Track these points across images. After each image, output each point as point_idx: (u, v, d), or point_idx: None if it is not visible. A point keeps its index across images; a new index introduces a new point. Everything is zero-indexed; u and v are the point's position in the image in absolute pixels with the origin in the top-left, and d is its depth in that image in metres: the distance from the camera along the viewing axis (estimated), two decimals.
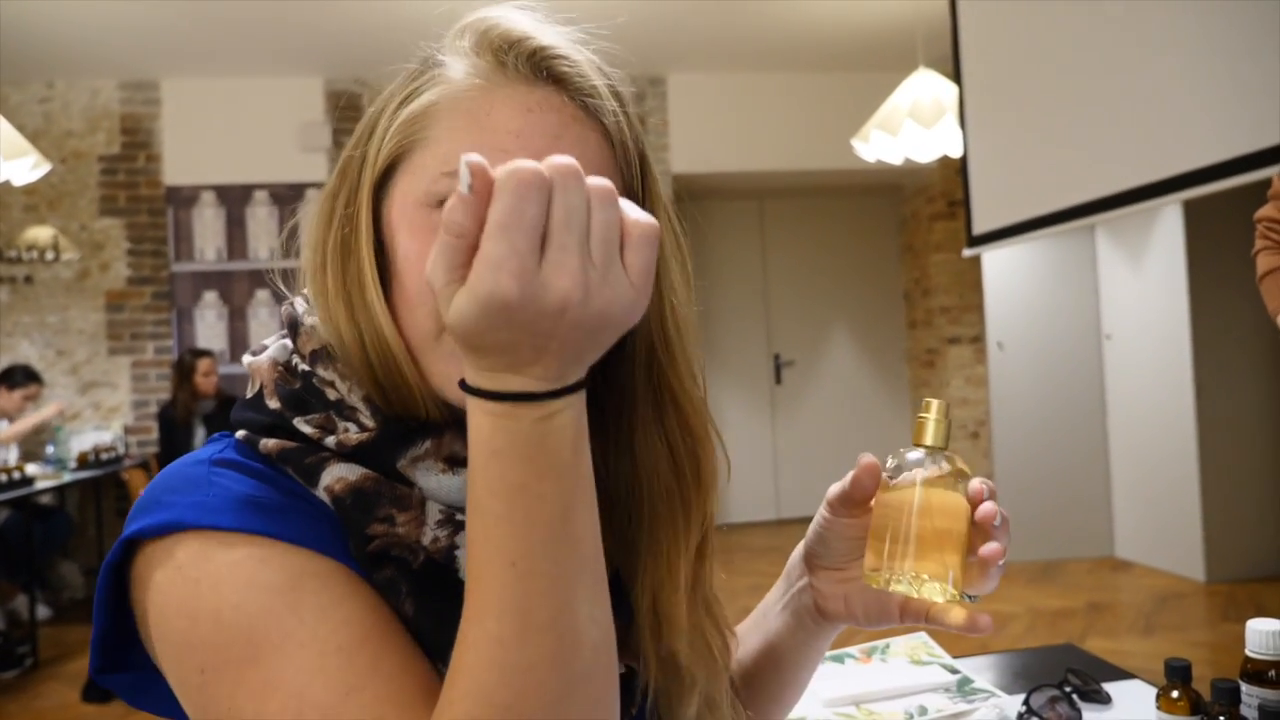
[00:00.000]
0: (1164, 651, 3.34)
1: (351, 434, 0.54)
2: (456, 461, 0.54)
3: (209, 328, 5.19)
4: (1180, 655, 0.80)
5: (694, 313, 0.61)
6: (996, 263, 4.80)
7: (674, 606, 0.59)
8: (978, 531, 0.57)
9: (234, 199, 5.23)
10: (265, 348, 0.61)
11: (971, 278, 5.66)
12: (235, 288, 5.22)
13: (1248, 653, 0.79)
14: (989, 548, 0.56)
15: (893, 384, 6.51)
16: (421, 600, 0.53)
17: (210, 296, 5.20)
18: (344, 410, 0.55)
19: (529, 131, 0.53)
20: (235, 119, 5.20)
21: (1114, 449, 4.84)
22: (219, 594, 0.48)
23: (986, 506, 0.56)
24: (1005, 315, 4.84)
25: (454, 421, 0.54)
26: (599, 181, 0.42)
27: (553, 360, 0.43)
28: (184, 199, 5.20)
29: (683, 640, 0.59)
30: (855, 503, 0.62)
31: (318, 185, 5.28)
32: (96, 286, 5.12)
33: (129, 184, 5.15)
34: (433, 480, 0.54)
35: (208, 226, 5.21)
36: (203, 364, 4.60)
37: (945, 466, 0.56)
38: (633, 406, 0.59)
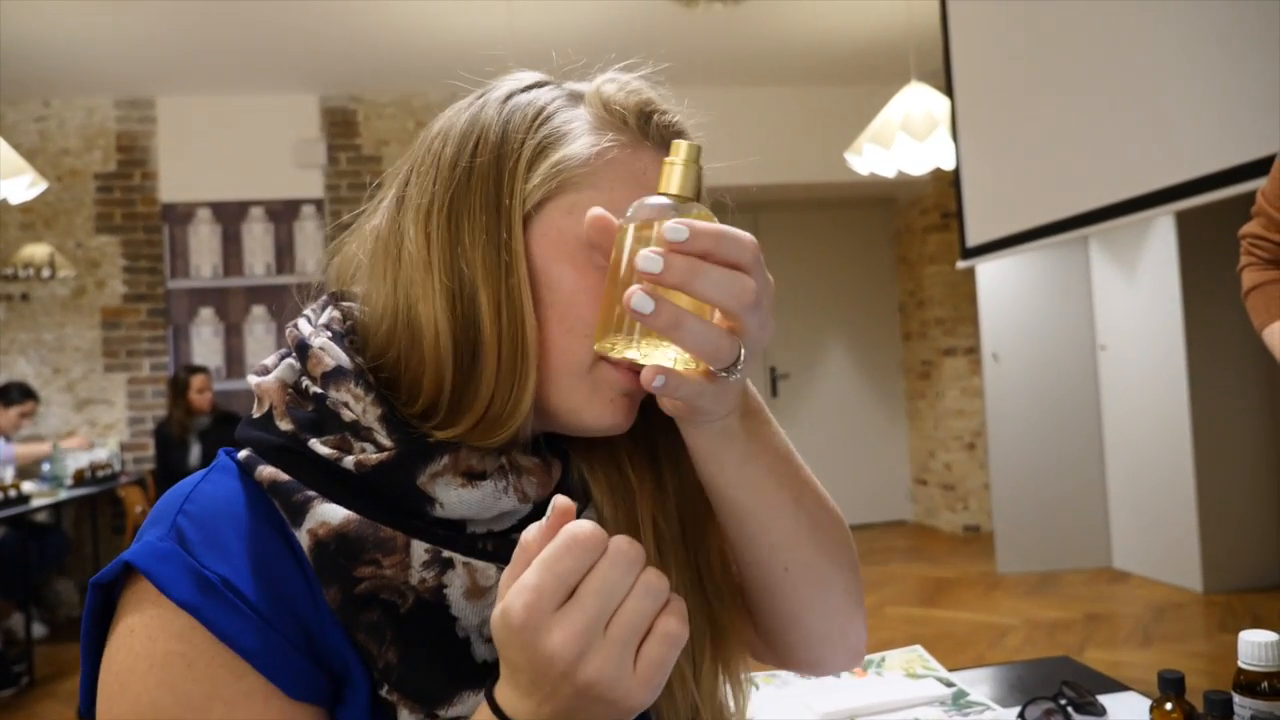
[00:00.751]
0: (1161, 663, 3.33)
1: (370, 454, 0.55)
2: (474, 475, 0.56)
3: (205, 344, 5.18)
4: (1177, 666, 0.79)
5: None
6: (990, 274, 4.82)
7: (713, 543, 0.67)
8: None
9: (229, 215, 5.24)
10: (268, 368, 0.62)
11: (966, 289, 5.68)
12: (231, 304, 5.22)
13: (1240, 664, 0.79)
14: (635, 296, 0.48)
15: (888, 396, 6.52)
16: (407, 645, 0.53)
17: (206, 313, 5.21)
18: (360, 431, 0.56)
19: None
20: (231, 136, 5.22)
21: (1110, 459, 4.84)
22: (145, 683, 0.50)
23: (670, 229, 0.49)
24: (1000, 326, 4.85)
25: (468, 442, 0.56)
26: (653, 576, 0.46)
27: (543, 705, 0.46)
28: (180, 216, 5.21)
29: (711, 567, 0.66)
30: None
31: (313, 201, 5.29)
32: (92, 304, 5.12)
33: (125, 201, 5.16)
34: (453, 495, 0.55)
35: (203, 243, 5.21)
36: (197, 380, 4.60)
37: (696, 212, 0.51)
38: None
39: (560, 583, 0.45)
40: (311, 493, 0.54)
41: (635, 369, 0.56)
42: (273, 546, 0.54)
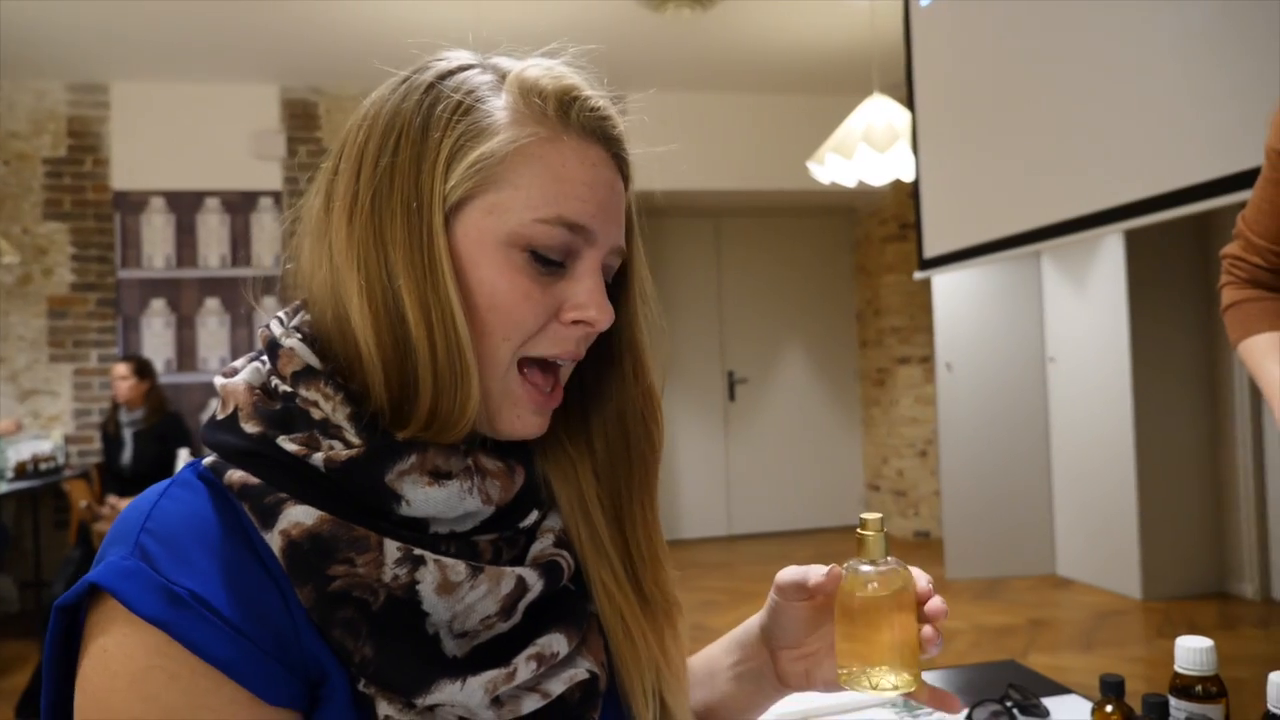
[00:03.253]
0: (1102, 667, 3.43)
1: (339, 450, 0.56)
2: (441, 475, 0.57)
3: (156, 336, 5.09)
4: (1117, 671, 0.83)
5: (661, 324, 0.70)
6: (946, 285, 4.90)
7: (653, 545, 0.69)
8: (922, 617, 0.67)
9: (184, 205, 5.15)
10: (237, 370, 0.62)
11: (922, 299, 5.77)
12: (184, 296, 5.13)
13: (1176, 668, 0.83)
14: (930, 633, 0.64)
15: (844, 402, 6.60)
16: (382, 640, 0.54)
17: (158, 304, 5.11)
18: (329, 429, 0.57)
19: (595, 184, 0.60)
20: (187, 124, 5.13)
21: (1056, 469, 4.96)
22: (126, 700, 0.50)
23: (935, 603, 0.65)
24: (954, 337, 4.94)
25: (434, 442, 0.58)
26: None
27: None
28: (132, 204, 5.11)
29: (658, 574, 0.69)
30: (810, 593, 0.68)
31: (271, 194, 5.22)
32: (39, 292, 5.00)
33: (75, 188, 5.05)
34: (420, 493, 0.56)
35: (157, 233, 5.12)
36: (116, 369, 4.36)
37: (893, 573, 0.65)
38: (620, 386, 0.68)
39: None
40: (283, 494, 0.54)
41: (543, 384, 0.61)
42: (239, 556, 0.54)
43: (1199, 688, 0.81)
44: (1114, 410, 4.44)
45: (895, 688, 0.64)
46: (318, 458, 0.55)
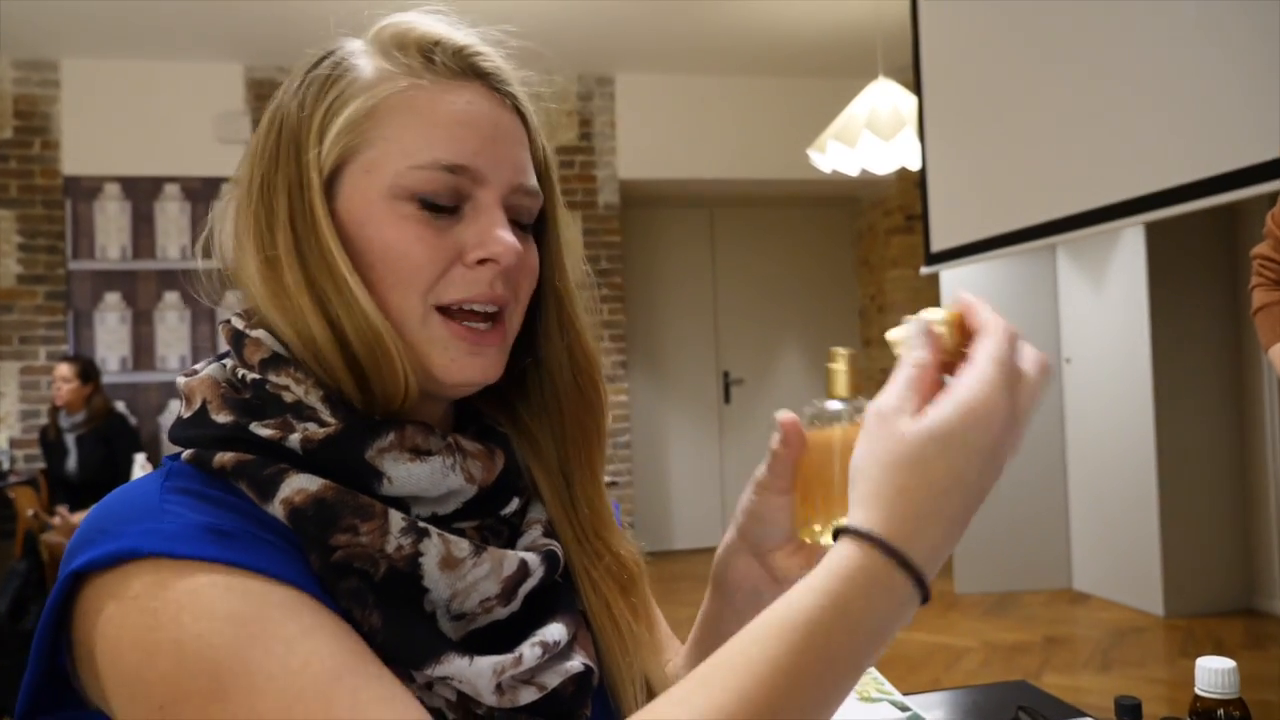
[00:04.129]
0: (1121, 688, 3.43)
1: (314, 430, 0.58)
2: (422, 451, 0.60)
3: (110, 332, 5.05)
4: (1136, 693, 0.83)
5: (584, 272, 0.73)
6: (955, 280, 4.90)
7: (603, 506, 0.72)
8: None
9: (141, 193, 5.12)
10: (197, 370, 0.64)
11: (929, 295, 5.78)
12: (141, 289, 5.10)
13: (1197, 690, 0.82)
14: None
15: None
16: (388, 610, 0.55)
17: (112, 298, 5.08)
18: (302, 411, 0.59)
19: (472, 119, 0.63)
20: (144, 105, 5.10)
21: (1072, 477, 4.97)
22: (179, 624, 0.49)
23: None
24: None
25: (413, 418, 0.62)
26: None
27: (932, 471, 0.52)
28: (84, 191, 5.07)
29: (600, 524, 0.71)
30: (786, 468, 0.64)
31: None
32: None
33: (22, 172, 5.01)
34: (401, 469, 0.59)
35: (111, 221, 5.09)
36: (58, 369, 4.33)
37: (862, 414, 0.59)
38: (546, 347, 0.71)
39: (1014, 376, 0.55)
40: (283, 465, 0.57)
41: (465, 323, 0.62)
42: (260, 524, 0.56)
43: (1220, 711, 0.81)
44: (1134, 414, 4.45)
45: None
46: (294, 439, 0.57)
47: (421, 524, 0.58)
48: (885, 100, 3.88)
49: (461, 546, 0.59)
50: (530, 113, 0.67)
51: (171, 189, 5.15)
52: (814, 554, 0.68)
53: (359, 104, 0.62)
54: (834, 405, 0.62)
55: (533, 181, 0.66)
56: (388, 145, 0.61)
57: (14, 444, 4.94)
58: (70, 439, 4.35)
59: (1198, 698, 0.82)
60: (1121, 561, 4.61)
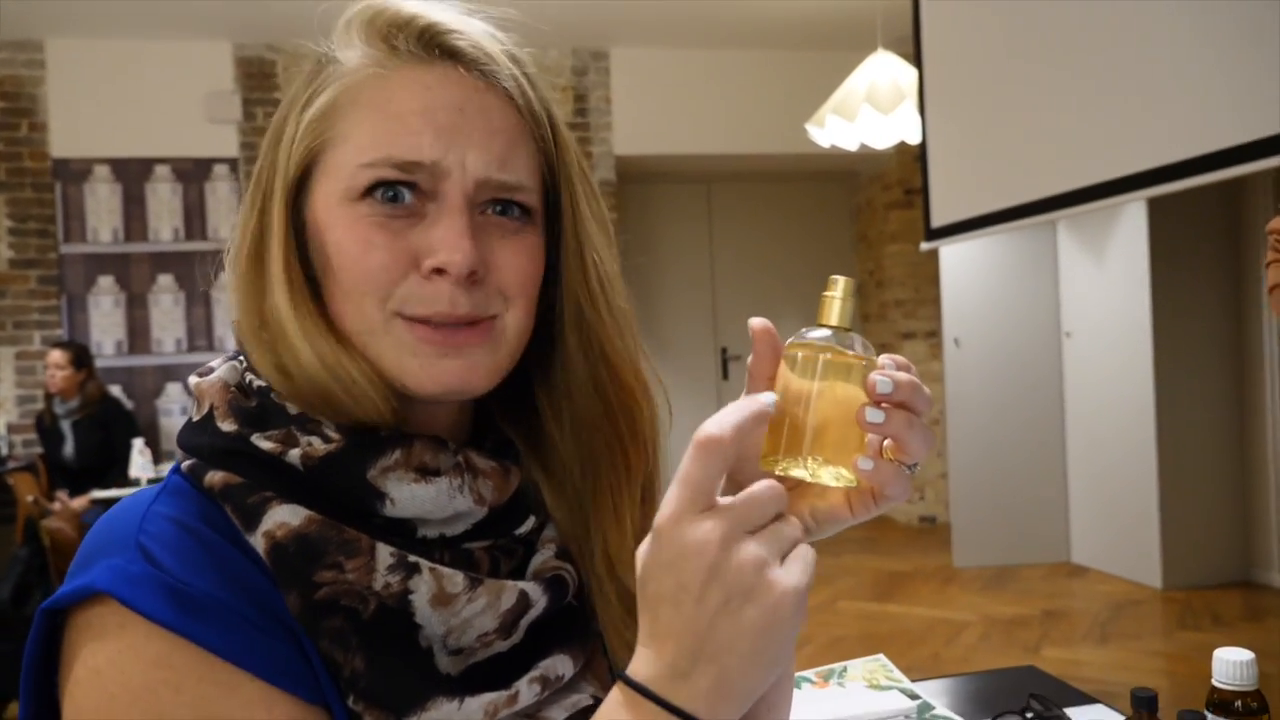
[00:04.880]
0: (1120, 662, 3.46)
1: (317, 446, 0.56)
2: (428, 471, 0.57)
3: (104, 316, 5.03)
4: (1135, 665, 0.83)
5: (618, 269, 0.66)
6: (954, 255, 4.90)
7: (622, 548, 0.65)
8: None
9: (132, 174, 5.08)
10: (213, 369, 0.62)
11: (928, 270, 5.77)
12: (134, 272, 5.07)
13: (1214, 682, 0.83)
14: (873, 434, 0.54)
15: None
16: (373, 652, 0.53)
17: (105, 281, 5.05)
18: (306, 424, 0.57)
19: (432, 107, 0.57)
20: (133, 85, 5.05)
21: (1071, 450, 4.99)
22: (101, 691, 0.49)
23: (879, 381, 0.53)
24: (962, 310, 4.94)
25: (422, 431, 0.59)
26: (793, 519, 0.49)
27: (684, 640, 0.46)
28: (74, 173, 5.03)
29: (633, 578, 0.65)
30: (760, 385, 0.58)
31: (227, 161, 5.16)
32: None
33: (10, 155, 4.97)
34: (405, 490, 0.56)
35: (102, 204, 5.05)
36: (51, 356, 4.33)
37: (852, 349, 0.55)
38: (566, 365, 0.65)
39: (697, 491, 0.47)
40: (268, 493, 0.54)
41: (428, 324, 0.57)
42: (238, 560, 0.54)
43: (1239, 703, 0.81)
44: (1134, 388, 4.46)
45: (814, 476, 0.54)
46: (294, 454, 0.55)
47: (411, 559, 0.55)
48: (885, 73, 3.85)
49: (455, 581, 0.56)
50: (520, 89, 0.60)
51: (162, 170, 5.11)
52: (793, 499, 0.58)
53: (322, 100, 0.58)
54: (817, 333, 0.55)
55: (513, 175, 0.58)
56: (346, 146, 0.57)
57: (11, 429, 4.93)
58: (66, 425, 4.35)
59: (1215, 689, 0.83)
60: (1120, 535, 4.63)
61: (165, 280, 5.07)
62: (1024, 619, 4.07)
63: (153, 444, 4.61)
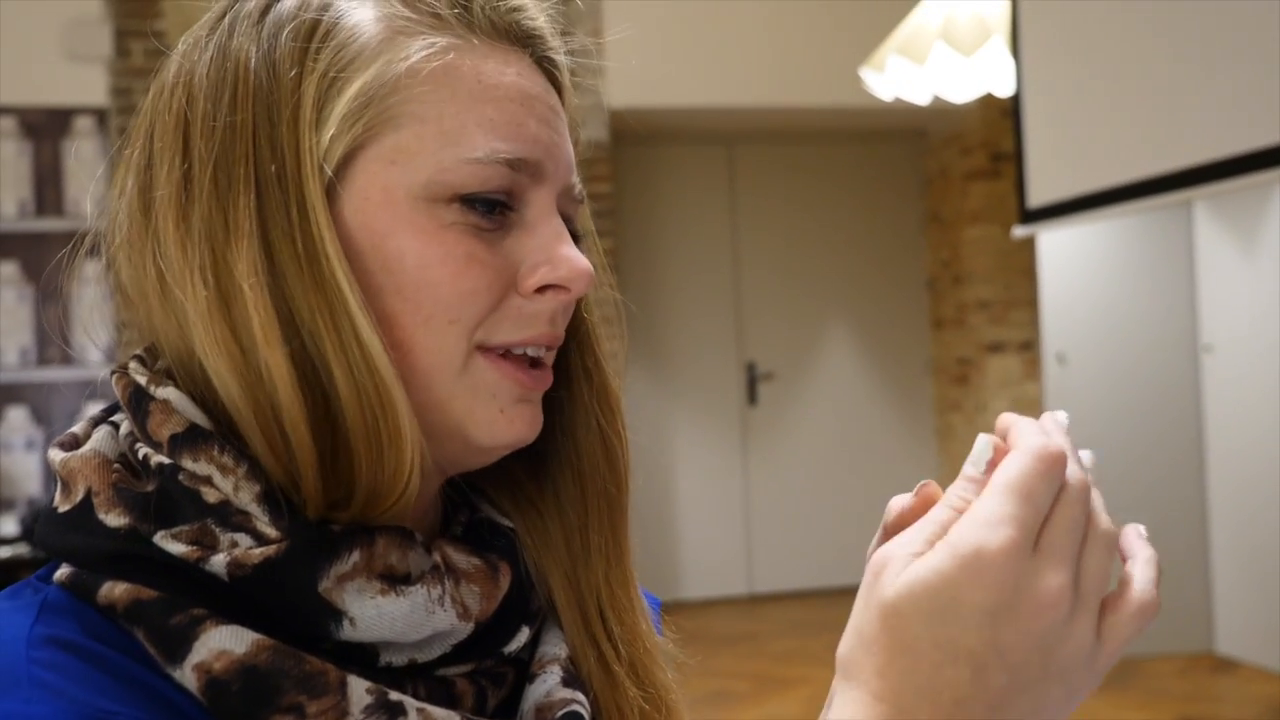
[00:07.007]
0: None
1: (250, 549, 0.54)
2: (397, 579, 0.56)
3: None
4: None
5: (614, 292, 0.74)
6: (1057, 244, 4.90)
7: (623, 596, 0.69)
8: None
9: None
10: (77, 438, 0.61)
11: (1021, 262, 5.77)
12: None
13: None
14: None
15: (911, 406, 6.61)
16: None
17: None
18: (229, 517, 0.55)
19: (528, 99, 0.62)
20: None
21: (1214, 502, 4.98)
22: None
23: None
24: (1068, 316, 4.94)
25: (385, 521, 0.58)
26: (1102, 515, 0.50)
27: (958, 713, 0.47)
28: None
29: (635, 647, 0.69)
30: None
31: (92, 110, 5.17)
32: None
33: None
34: (369, 607, 0.55)
35: None
36: None
37: None
38: (569, 385, 0.69)
39: (1038, 511, 0.48)
40: (199, 610, 0.53)
41: (517, 361, 0.61)
42: (160, 682, 0.53)
43: None
44: None
45: None
46: (218, 561, 0.53)
47: (394, 697, 0.55)
48: (965, 4, 3.85)
49: None
50: (570, 92, 0.67)
51: (6, 123, 5.11)
52: None
53: (378, 69, 0.58)
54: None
55: (575, 181, 0.65)
56: (423, 128, 0.59)
57: None
58: None
59: None
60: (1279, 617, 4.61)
61: (9, 269, 5.05)
62: None
63: None
